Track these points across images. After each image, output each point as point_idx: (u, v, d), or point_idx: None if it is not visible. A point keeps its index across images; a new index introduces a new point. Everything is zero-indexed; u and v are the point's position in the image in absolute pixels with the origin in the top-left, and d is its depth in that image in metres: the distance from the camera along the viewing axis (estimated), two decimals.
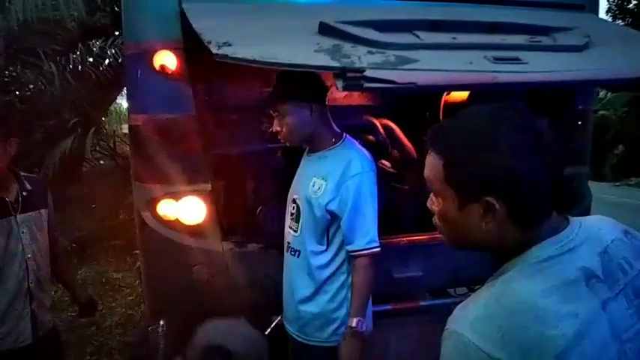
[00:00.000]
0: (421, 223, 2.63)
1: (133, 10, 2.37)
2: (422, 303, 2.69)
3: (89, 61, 6.05)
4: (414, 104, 2.83)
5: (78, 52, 6.00)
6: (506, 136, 0.93)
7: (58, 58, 5.57)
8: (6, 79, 5.60)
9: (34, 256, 2.22)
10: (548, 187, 0.96)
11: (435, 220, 1.07)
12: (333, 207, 1.98)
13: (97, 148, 5.89)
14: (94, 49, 6.16)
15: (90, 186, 6.39)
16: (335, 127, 2.11)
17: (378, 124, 2.91)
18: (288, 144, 2.14)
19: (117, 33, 7.25)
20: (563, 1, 2.64)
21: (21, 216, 2.18)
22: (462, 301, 1.01)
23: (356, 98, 3.12)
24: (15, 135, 2.16)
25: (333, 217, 2.00)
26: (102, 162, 7.07)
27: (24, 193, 2.21)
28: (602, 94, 14.60)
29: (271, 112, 2.13)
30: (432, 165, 1.01)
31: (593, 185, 3.10)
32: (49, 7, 4.35)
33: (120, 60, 5.95)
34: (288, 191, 2.26)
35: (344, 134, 2.11)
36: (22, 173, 2.29)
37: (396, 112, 2.89)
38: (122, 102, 9.38)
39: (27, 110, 4.98)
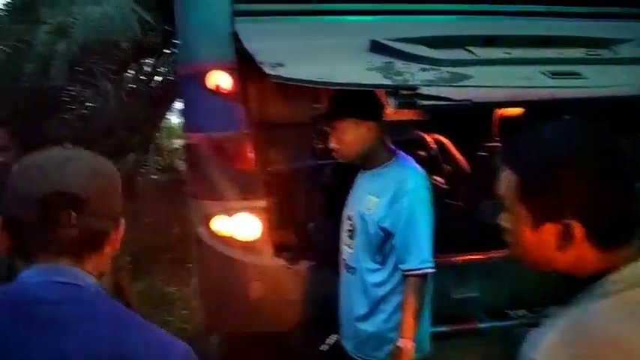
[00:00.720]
0: (477, 241, 2.58)
1: (187, 32, 2.45)
2: (480, 325, 2.62)
3: (141, 79, 6.28)
4: (467, 118, 2.78)
5: (131, 71, 6.24)
6: (588, 157, 0.89)
7: (112, 77, 5.80)
8: (64, 99, 5.86)
9: None
10: (630, 210, 0.92)
11: (508, 238, 1.03)
12: (386, 224, 1.97)
13: (151, 163, 6.08)
14: (146, 67, 6.39)
15: (144, 200, 6.59)
16: (389, 144, 2.10)
17: (429, 139, 2.87)
18: (342, 161, 2.14)
19: (166, 51, 7.51)
20: (622, 11, 2.54)
21: None
22: (521, 324, 0.99)
23: (406, 113, 3.09)
24: None
25: (387, 235, 1.99)
26: (154, 176, 7.28)
27: None
28: None
29: (327, 128, 2.13)
30: (507, 182, 0.97)
31: None
32: (107, 29, 4.53)
33: (170, 77, 6.14)
34: (339, 207, 2.26)
35: (397, 151, 2.10)
36: None
37: (448, 126, 2.85)
38: (171, 118, 9.69)
39: (85, 128, 5.20)
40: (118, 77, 5.85)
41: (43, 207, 0.91)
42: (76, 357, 0.87)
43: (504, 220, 1.02)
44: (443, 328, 2.45)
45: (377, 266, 2.03)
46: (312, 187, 2.84)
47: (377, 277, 2.02)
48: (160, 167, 6.56)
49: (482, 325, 2.68)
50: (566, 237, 0.91)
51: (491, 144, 2.89)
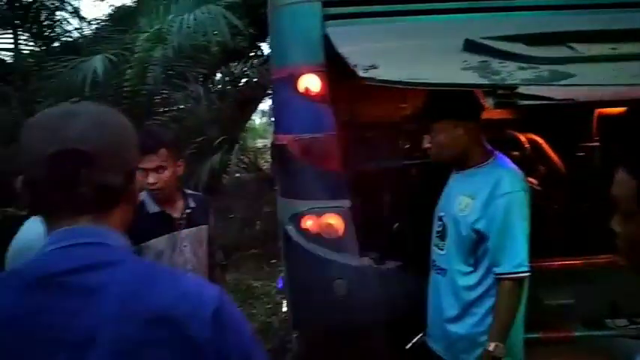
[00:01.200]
0: (573, 246, 2.46)
1: (280, 36, 2.52)
2: (575, 333, 2.50)
3: (229, 82, 6.52)
4: (563, 117, 2.66)
5: (219, 75, 6.50)
6: None
7: (203, 81, 6.07)
8: (156, 101, 6.20)
9: (195, 270, 2.35)
10: None
11: (619, 243, 0.99)
12: (480, 226, 1.93)
13: (237, 162, 6.32)
14: (234, 70, 6.63)
15: (229, 197, 6.85)
16: (486, 145, 2.06)
17: (522, 139, 2.78)
18: (436, 161, 2.11)
19: (252, 54, 7.76)
20: None
21: (185, 231, 2.31)
22: (621, 335, 0.95)
23: (498, 112, 3.01)
24: (182, 156, 2.37)
25: (481, 237, 1.95)
26: (238, 175, 7.55)
27: (188, 210, 2.34)
28: None
29: (421, 129, 2.11)
30: (624, 184, 0.94)
31: None
32: (200, 34, 4.76)
33: (255, 80, 6.35)
34: (425, 208, 2.24)
35: (495, 151, 2.05)
36: (187, 191, 2.46)
37: (543, 125, 2.74)
38: (255, 118, 10.01)
39: (178, 129, 5.48)
40: (207, 80, 6.12)
41: (52, 166, 0.88)
42: (115, 319, 0.86)
43: (617, 224, 0.98)
44: (536, 335, 2.37)
45: (469, 269, 1.99)
46: (399, 187, 2.83)
47: (468, 280, 1.99)
48: (244, 166, 6.80)
49: (578, 334, 2.56)
50: None
51: (589, 144, 2.75)
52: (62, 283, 0.86)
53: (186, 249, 2.33)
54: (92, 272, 0.88)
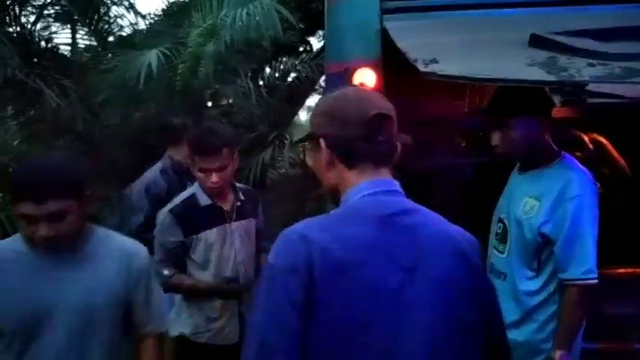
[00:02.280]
0: (637, 254, 2.35)
1: (336, 30, 2.50)
2: (636, 346, 2.38)
3: (279, 77, 6.54)
4: (628, 117, 2.53)
5: (269, 70, 6.51)
6: None
7: (253, 75, 6.10)
8: (207, 95, 6.29)
9: (243, 261, 2.40)
10: None
11: None
12: (546, 230, 1.85)
13: (285, 158, 6.34)
14: (283, 65, 6.63)
15: (274, 192, 6.89)
16: (553, 144, 1.97)
17: (586, 139, 2.66)
18: (504, 158, 2.03)
19: (301, 49, 7.75)
20: None
21: (234, 224, 2.37)
22: None
23: (561, 110, 2.90)
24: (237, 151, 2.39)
25: (546, 241, 1.87)
26: (283, 170, 7.58)
27: (238, 203, 2.39)
28: None
29: (489, 125, 2.03)
30: None
31: None
32: (252, 28, 4.78)
33: (305, 75, 6.33)
34: (480, 208, 2.17)
35: (562, 152, 1.97)
36: (237, 185, 2.50)
37: (608, 125, 2.62)
38: (301, 114, 10.02)
39: (228, 123, 5.54)
40: (257, 75, 6.15)
41: (372, 124, 1.15)
42: (431, 251, 1.11)
43: None
44: (595, 345, 2.27)
45: (532, 274, 1.92)
46: (454, 186, 2.77)
47: (531, 285, 1.92)
48: (291, 161, 6.83)
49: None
50: None
51: None
52: (393, 222, 1.11)
53: (236, 241, 2.37)
54: (408, 215, 1.14)
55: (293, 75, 6.78)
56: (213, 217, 2.34)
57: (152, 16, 6.69)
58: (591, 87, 1.60)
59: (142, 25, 6.28)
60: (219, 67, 5.77)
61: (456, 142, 2.79)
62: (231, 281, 2.34)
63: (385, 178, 1.18)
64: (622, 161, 2.61)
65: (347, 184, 1.18)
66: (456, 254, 1.14)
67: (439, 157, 2.76)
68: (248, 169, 5.18)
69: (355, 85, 2.38)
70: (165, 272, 2.32)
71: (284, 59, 6.92)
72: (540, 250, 1.90)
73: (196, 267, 2.35)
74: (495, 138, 1.97)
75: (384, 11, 2.33)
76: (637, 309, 2.32)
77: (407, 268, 1.09)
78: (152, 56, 4.46)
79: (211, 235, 2.33)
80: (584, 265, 1.80)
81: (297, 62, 6.30)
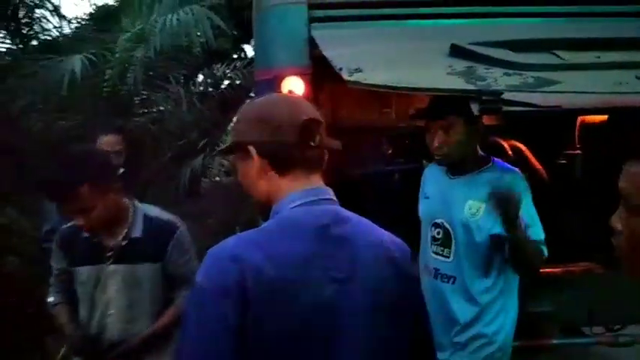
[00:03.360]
0: (552, 254, 2.46)
1: (265, 38, 2.49)
2: (553, 341, 2.50)
3: (211, 84, 6.44)
4: (546, 124, 2.68)
5: (202, 76, 6.41)
6: None
7: (184, 82, 5.99)
8: (138, 102, 6.11)
9: (118, 315, 1.98)
10: None
11: (621, 242, 0.96)
12: (499, 230, 1.90)
13: (217, 166, 6.25)
14: (216, 72, 6.55)
15: (208, 201, 6.76)
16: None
17: (505, 146, 2.78)
18: (446, 160, 2.05)
19: (235, 56, 7.68)
20: None
21: (113, 266, 1.95)
22: (598, 343, 0.95)
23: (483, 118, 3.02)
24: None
25: (498, 241, 1.93)
26: (217, 178, 7.46)
27: (124, 242, 1.96)
28: None
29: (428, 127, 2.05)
30: (638, 176, 0.92)
31: None
32: (182, 35, 4.70)
33: (238, 82, 6.28)
34: (406, 213, 2.21)
35: (491, 156, 2.06)
36: (151, 214, 2.04)
37: (525, 132, 2.75)
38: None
39: (158, 131, 5.40)
40: (189, 82, 6.04)
41: (303, 129, 1.12)
42: (365, 262, 1.11)
43: (618, 221, 0.96)
44: (515, 343, 2.36)
45: (483, 273, 1.99)
46: (381, 192, 2.81)
47: (485, 283, 2.00)
48: (224, 169, 6.74)
49: (556, 342, 2.57)
50: None
51: (571, 152, 2.77)
52: (327, 233, 1.10)
53: (110, 288, 1.97)
54: (341, 225, 1.13)
55: (227, 82, 6.71)
56: (91, 252, 1.96)
57: (78, 20, 6.45)
58: (507, 96, 1.67)
59: (68, 29, 6.03)
60: (150, 74, 5.63)
61: (384, 148, 2.84)
62: (89, 340, 1.95)
63: (318, 185, 1.17)
64: (539, 166, 2.75)
65: (279, 192, 1.15)
66: (388, 262, 1.15)
67: (367, 164, 2.80)
68: (179, 179, 5.06)
69: (283, 93, 2.38)
70: (49, 299, 2.07)
71: (218, 66, 6.84)
72: (491, 251, 1.97)
73: (80, 304, 2.00)
74: (437, 140, 1.99)
75: (312, 20, 2.34)
76: (553, 306, 2.43)
77: (341, 279, 1.09)
78: (76, 61, 4.29)
79: (83, 272, 1.97)
80: (542, 236, 1.95)
81: (229, 69, 6.24)
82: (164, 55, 5.13)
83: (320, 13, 2.36)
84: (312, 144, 1.14)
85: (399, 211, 2.69)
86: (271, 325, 1.02)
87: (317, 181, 1.17)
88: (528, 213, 1.92)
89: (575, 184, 2.74)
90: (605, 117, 2.53)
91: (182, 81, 6.10)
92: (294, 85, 2.37)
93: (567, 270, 2.41)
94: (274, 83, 2.38)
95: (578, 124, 2.69)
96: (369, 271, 1.12)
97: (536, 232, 1.95)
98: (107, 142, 2.96)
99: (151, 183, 5.36)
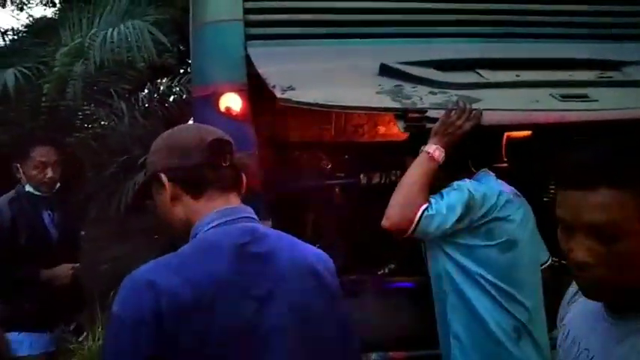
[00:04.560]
0: None
1: (201, 55, 2.49)
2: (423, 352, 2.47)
3: (156, 99, 6.36)
4: (475, 139, 2.79)
5: (146, 91, 6.32)
6: None
7: (127, 97, 5.89)
8: (80, 117, 5.96)
9: None
10: None
11: (596, 273, 0.87)
12: None
13: None
14: (161, 87, 6.47)
15: (153, 217, 6.63)
16: None
17: None
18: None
19: (182, 71, 7.61)
20: (630, 33, 2.54)
21: None
22: None
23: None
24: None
25: None
26: None
27: None
28: None
29: None
30: (612, 205, 0.82)
31: None
32: (124, 50, 4.62)
33: (184, 97, 6.23)
34: (348, 227, 2.25)
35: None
36: None
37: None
38: None
39: (100, 146, 5.27)
40: (132, 97, 5.94)
41: (211, 151, 1.14)
42: (286, 278, 1.12)
43: (589, 255, 0.86)
44: (387, 355, 2.31)
45: None
46: (321, 207, 2.84)
47: None
48: None
49: None
50: None
51: (499, 165, 2.89)
52: (245, 252, 1.10)
53: None
54: (260, 242, 1.13)
55: (172, 98, 6.63)
56: None
57: (14, 32, 6.25)
58: (431, 114, 1.74)
59: (1, 41, 5.83)
60: (94, 88, 5.51)
61: (323, 164, 2.88)
62: None
63: (235, 204, 1.17)
64: None
65: (196, 215, 1.15)
66: (310, 277, 1.15)
67: (308, 179, 2.83)
68: (120, 195, 4.94)
69: (221, 111, 2.39)
70: None
71: (163, 81, 6.76)
72: None
73: None
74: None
75: (249, 37, 2.37)
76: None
77: (261, 297, 1.08)
78: (9, 75, 4.15)
79: None
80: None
81: (174, 84, 6.18)
82: (105, 69, 5.04)
83: (256, 30, 2.38)
84: (224, 164, 1.15)
85: (338, 224, 2.74)
86: (190, 349, 1.01)
87: (234, 201, 1.17)
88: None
89: None
90: (529, 132, 2.66)
91: (127, 96, 6.00)
92: (232, 102, 2.39)
93: None
94: (212, 100, 2.39)
95: (504, 138, 2.81)
96: (292, 286, 1.12)
97: (437, 198, 1.72)
98: (40, 152, 2.84)
99: (92, 199, 5.23)
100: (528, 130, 2.38)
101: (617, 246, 0.83)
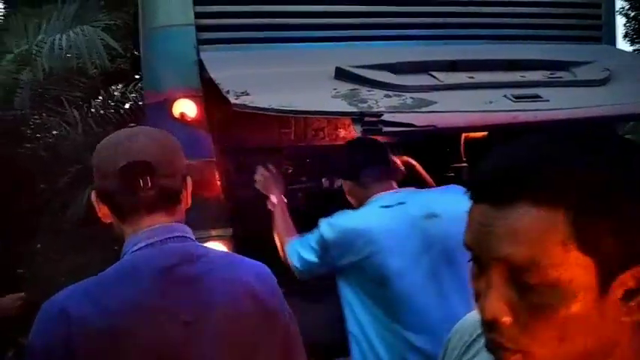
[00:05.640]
0: None
1: (152, 60, 2.42)
2: None
3: (110, 106, 6.20)
4: (434, 140, 2.82)
5: (100, 98, 6.15)
6: None
7: (80, 104, 5.71)
8: (31, 126, 5.76)
9: None
10: None
11: (506, 321, 0.57)
12: None
13: None
14: (115, 93, 6.31)
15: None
16: None
17: (398, 162, 2.88)
18: None
19: (137, 77, 7.45)
20: (579, 34, 2.62)
21: None
22: None
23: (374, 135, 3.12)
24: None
25: None
26: None
27: None
28: None
29: None
30: (536, 223, 0.55)
31: None
32: (73, 56, 4.48)
33: (140, 103, 6.09)
34: (310, 231, 2.23)
35: None
36: None
37: (416, 148, 2.87)
38: None
39: (51, 156, 5.09)
40: (85, 104, 5.77)
41: (123, 176, 1.06)
42: (217, 301, 1.06)
43: (514, 311, 0.58)
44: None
45: None
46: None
47: None
48: None
49: None
50: (634, 297, 0.57)
51: (458, 165, 2.93)
52: (173, 274, 1.05)
53: None
54: (191, 264, 1.08)
55: (129, 104, 6.48)
56: None
57: None
58: (387, 117, 1.73)
59: None
60: (46, 96, 5.32)
61: (284, 168, 2.84)
62: None
63: (166, 224, 1.10)
64: (429, 179, 2.87)
65: (124, 236, 1.10)
66: (247, 297, 1.10)
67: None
68: (74, 206, 4.78)
69: (175, 117, 2.33)
70: None
71: (118, 87, 6.60)
72: None
73: None
74: None
75: (201, 42, 2.32)
76: None
77: (189, 322, 1.03)
78: None
79: None
80: None
81: (129, 90, 6.04)
82: (55, 77, 4.87)
83: (209, 35, 2.33)
84: (142, 188, 1.07)
85: (301, 229, 2.71)
86: None
87: (163, 220, 1.10)
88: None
89: None
90: (485, 133, 2.70)
91: (80, 103, 5.82)
92: (186, 108, 2.33)
93: None
94: (165, 106, 2.33)
95: (462, 139, 2.85)
96: (224, 308, 1.06)
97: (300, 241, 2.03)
98: None
99: (43, 211, 5.04)
100: (484, 131, 2.42)
101: (545, 296, 0.55)
